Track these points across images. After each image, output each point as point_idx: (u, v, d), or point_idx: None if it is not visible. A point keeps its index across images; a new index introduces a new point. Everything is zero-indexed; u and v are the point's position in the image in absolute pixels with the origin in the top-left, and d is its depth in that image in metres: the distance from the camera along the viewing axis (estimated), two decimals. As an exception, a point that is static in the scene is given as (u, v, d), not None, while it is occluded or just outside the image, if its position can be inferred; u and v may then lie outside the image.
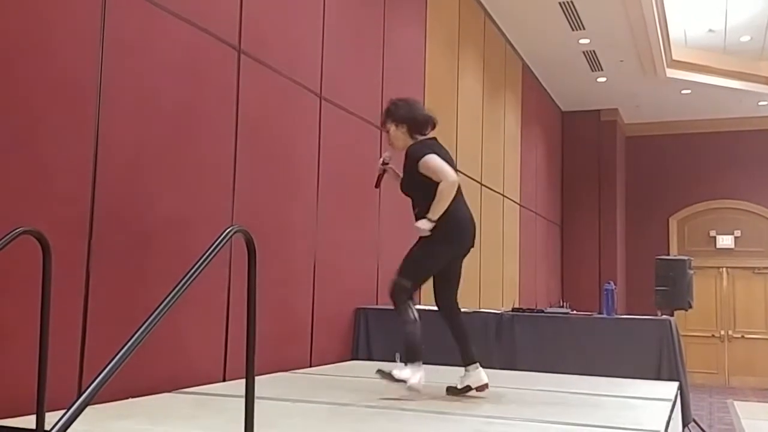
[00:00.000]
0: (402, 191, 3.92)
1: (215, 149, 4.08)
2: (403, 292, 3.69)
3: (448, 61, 7.58)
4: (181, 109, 3.82)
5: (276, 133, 4.65)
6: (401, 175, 3.92)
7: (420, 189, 3.76)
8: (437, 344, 5.27)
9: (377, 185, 4.05)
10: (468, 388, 3.74)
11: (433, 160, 3.73)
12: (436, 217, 3.65)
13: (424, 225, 3.67)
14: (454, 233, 3.75)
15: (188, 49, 3.87)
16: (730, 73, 10.80)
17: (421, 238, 3.73)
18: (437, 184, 3.66)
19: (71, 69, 3.15)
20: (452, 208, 3.69)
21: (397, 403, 3.50)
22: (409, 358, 3.60)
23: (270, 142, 4.58)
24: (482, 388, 3.74)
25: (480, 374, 3.76)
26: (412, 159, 3.80)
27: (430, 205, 3.67)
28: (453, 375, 3.77)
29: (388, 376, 3.57)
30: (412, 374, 3.56)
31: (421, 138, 3.91)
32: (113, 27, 3.34)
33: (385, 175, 4.06)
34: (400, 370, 3.57)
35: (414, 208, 3.86)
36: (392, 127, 3.93)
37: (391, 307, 3.70)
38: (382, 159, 4.04)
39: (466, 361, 3.79)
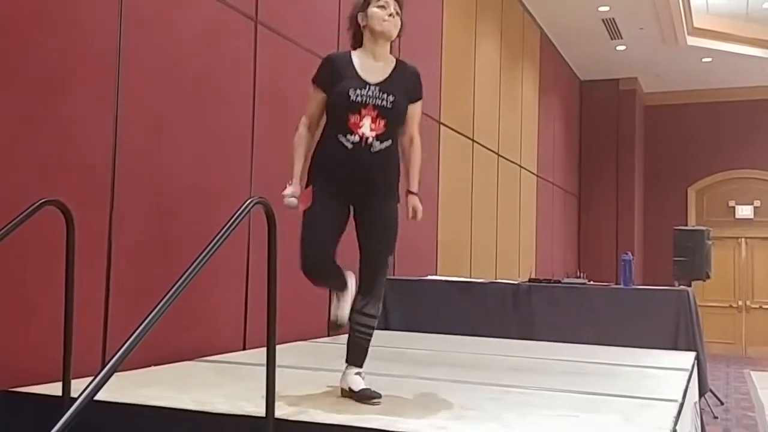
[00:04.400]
0: (391, 118, 2.80)
1: (234, 120, 4.09)
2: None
3: (466, 30, 7.50)
4: (200, 80, 3.83)
5: (293, 103, 4.61)
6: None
7: (400, 125, 2.89)
8: (448, 313, 5.34)
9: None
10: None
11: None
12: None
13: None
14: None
15: (206, 19, 3.87)
16: (753, 41, 10.62)
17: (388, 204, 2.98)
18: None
19: (91, 40, 3.16)
20: None
21: (415, 372, 3.54)
22: (360, 361, 2.93)
23: (287, 112, 4.56)
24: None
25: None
26: (415, 82, 2.92)
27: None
28: (467, 344, 3.76)
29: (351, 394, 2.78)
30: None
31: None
32: (131, -2, 3.34)
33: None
34: (356, 382, 2.82)
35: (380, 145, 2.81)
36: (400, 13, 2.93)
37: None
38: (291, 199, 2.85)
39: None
